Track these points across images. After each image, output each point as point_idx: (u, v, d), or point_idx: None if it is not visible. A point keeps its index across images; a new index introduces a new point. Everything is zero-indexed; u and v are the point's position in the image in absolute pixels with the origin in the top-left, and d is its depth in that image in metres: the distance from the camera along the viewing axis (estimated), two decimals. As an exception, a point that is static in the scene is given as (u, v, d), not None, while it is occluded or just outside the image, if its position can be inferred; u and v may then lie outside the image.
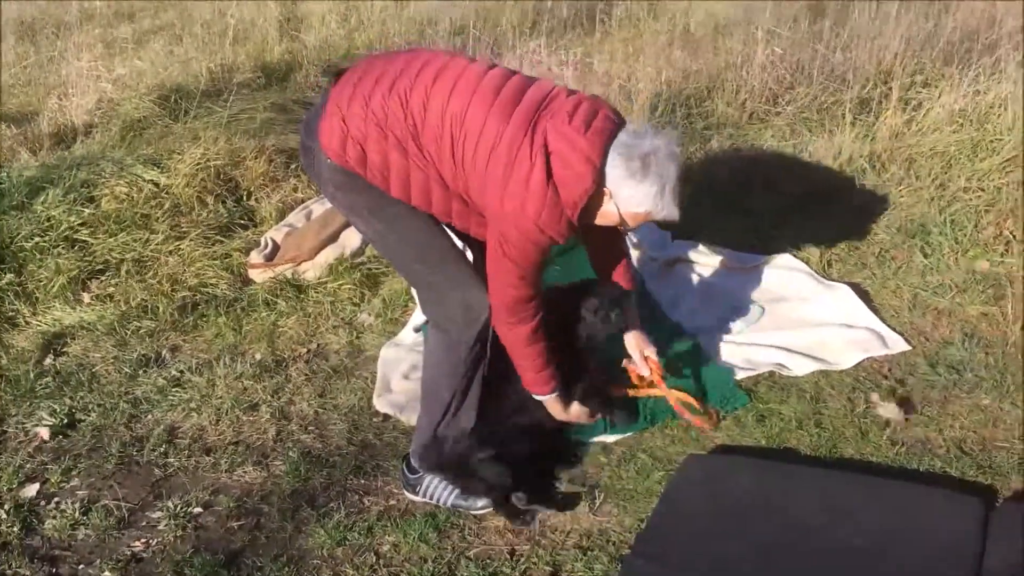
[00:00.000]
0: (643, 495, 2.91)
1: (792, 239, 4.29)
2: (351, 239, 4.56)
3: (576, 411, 3.02)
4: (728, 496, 2.71)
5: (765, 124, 5.40)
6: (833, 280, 3.96)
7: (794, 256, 4.12)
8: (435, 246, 2.77)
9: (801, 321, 3.73)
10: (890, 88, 5.13)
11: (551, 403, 2.96)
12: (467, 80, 2.57)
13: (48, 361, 4.08)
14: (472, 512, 2.91)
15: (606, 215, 2.64)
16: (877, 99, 5.19)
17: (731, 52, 6.04)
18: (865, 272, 4.02)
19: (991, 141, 4.42)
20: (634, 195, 2.55)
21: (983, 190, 4.21)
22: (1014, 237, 3.96)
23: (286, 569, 2.76)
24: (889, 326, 3.63)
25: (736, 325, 3.76)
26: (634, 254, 4.27)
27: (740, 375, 3.40)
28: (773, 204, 4.51)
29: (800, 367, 3.43)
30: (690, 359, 3.47)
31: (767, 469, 2.81)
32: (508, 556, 2.73)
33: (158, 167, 5.25)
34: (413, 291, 3.65)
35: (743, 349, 3.55)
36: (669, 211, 2.59)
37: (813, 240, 4.24)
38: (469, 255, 2.98)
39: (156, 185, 5.11)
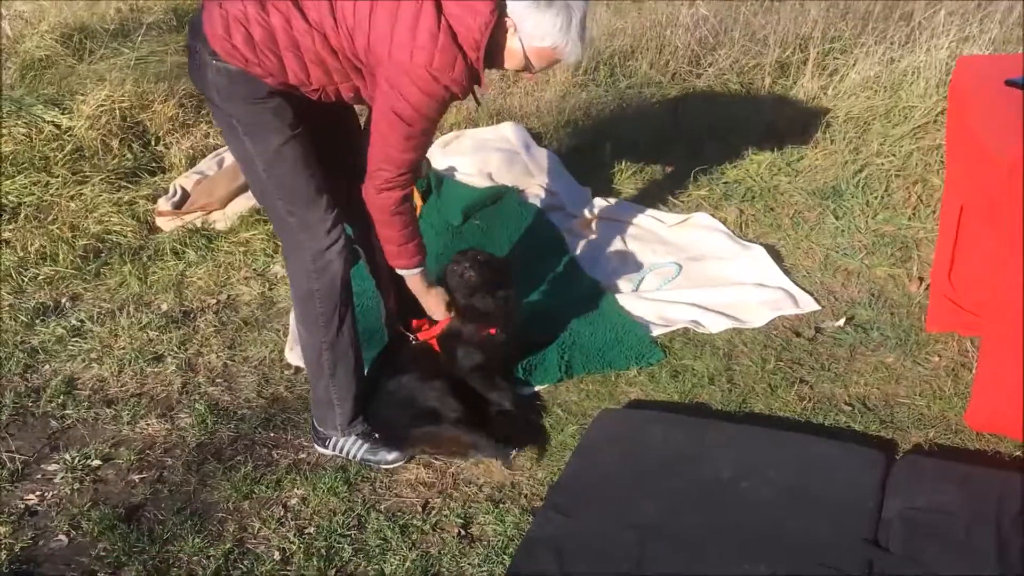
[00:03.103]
0: (556, 449, 2.90)
1: (711, 199, 4.32)
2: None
3: (436, 294, 2.94)
4: (639, 450, 2.73)
5: (687, 85, 5.42)
6: (749, 240, 4.01)
7: (712, 216, 4.14)
8: (303, 189, 2.63)
9: (717, 280, 3.76)
10: (808, 53, 5.19)
11: (413, 280, 2.88)
12: None
13: (-63, 308, 3.87)
14: (383, 467, 2.86)
15: (511, 54, 2.52)
16: (795, 64, 5.26)
17: (655, 11, 6.03)
18: (780, 233, 4.08)
19: (904, 108, 4.52)
20: (539, 25, 2.45)
21: (894, 155, 4.30)
22: (921, 201, 4.06)
23: (189, 523, 2.67)
24: (800, 286, 3.69)
25: (653, 283, 3.78)
26: (554, 212, 4.26)
27: (656, 332, 3.42)
28: (693, 164, 4.52)
29: (714, 324, 3.46)
30: (606, 316, 3.47)
31: (678, 424, 2.83)
32: (420, 509, 2.70)
33: (60, 108, 5.01)
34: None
35: (659, 306, 3.57)
36: (576, 48, 2.49)
37: (731, 201, 4.28)
38: None
39: (57, 127, 4.88)
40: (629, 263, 3.91)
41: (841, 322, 3.46)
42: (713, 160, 4.53)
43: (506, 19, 2.46)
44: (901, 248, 3.88)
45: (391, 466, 2.86)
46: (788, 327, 3.48)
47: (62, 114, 4.96)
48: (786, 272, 3.78)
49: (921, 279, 3.65)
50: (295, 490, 2.80)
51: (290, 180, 2.62)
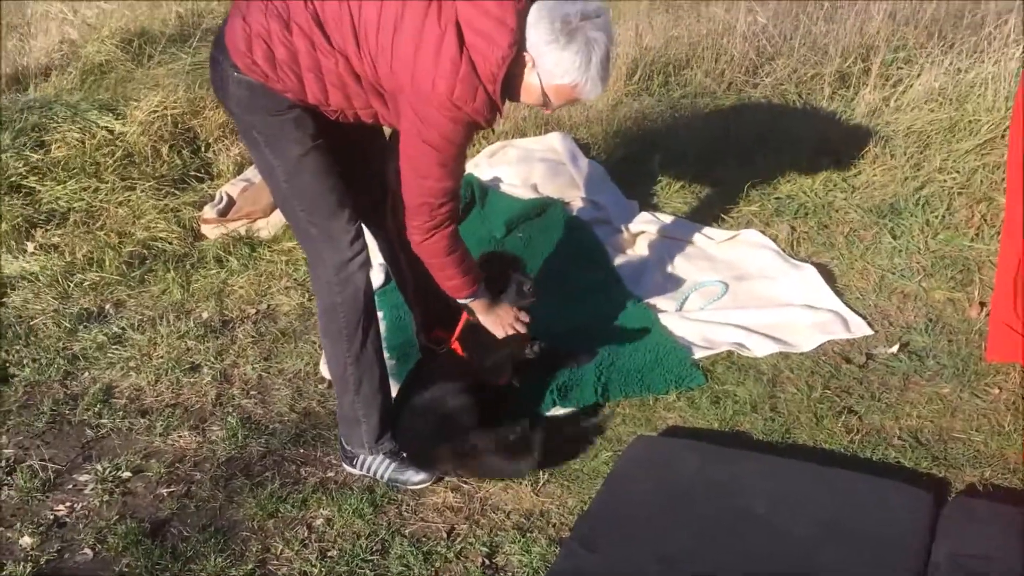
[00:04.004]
0: (589, 476, 2.81)
1: (762, 215, 4.17)
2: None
3: (504, 309, 2.87)
4: (673, 481, 2.62)
5: (743, 96, 5.27)
6: (800, 259, 3.86)
7: (762, 233, 4.00)
8: (324, 200, 2.59)
9: (764, 300, 3.62)
10: (870, 63, 5.00)
11: (476, 306, 2.82)
12: None
13: (-15, 312, 3.93)
14: (409, 487, 2.80)
15: (529, 90, 2.44)
16: (857, 74, 5.07)
17: (713, 19, 5.89)
18: (833, 252, 3.91)
19: (969, 122, 4.31)
20: (558, 63, 2.35)
21: (958, 172, 4.10)
22: (985, 221, 3.86)
23: (212, 541, 2.64)
24: (853, 309, 3.53)
25: (698, 302, 3.66)
26: (600, 225, 4.16)
27: (698, 354, 3.30)
28: (745, 178, 4.38)
29: (760, 348, 3.33)
30: (647, 336, 3.36)
31: (715, 454, 2.71)
32: (445, 535, 2.63)
33: (114, 113, 5.07)
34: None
35: (703, 327, 3.44)
36: (595, 87, 2.40)
37: (783, 217, 4.12)
38: None
39: (110, 132, 4.93)
40: (673, 281, 3.79)
41: (895, 348, 3.30)
42: (766, 174, 4.38)
43: (524, 54, 2.38)
44: (962, 271, 3.69)
45: (418, 487, 2.80)
46: (838, 352, 3.33)
47: (116, 119, 5.02)
48: (838, 294, 3.62)
49: (982, 304, 3.46)
50: (320, 510, 2.75)
51: (311, 191, 2.59)
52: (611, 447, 2.92)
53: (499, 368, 2.94)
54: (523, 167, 4.42)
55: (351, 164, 2.75)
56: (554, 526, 2.64)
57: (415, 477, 2.79)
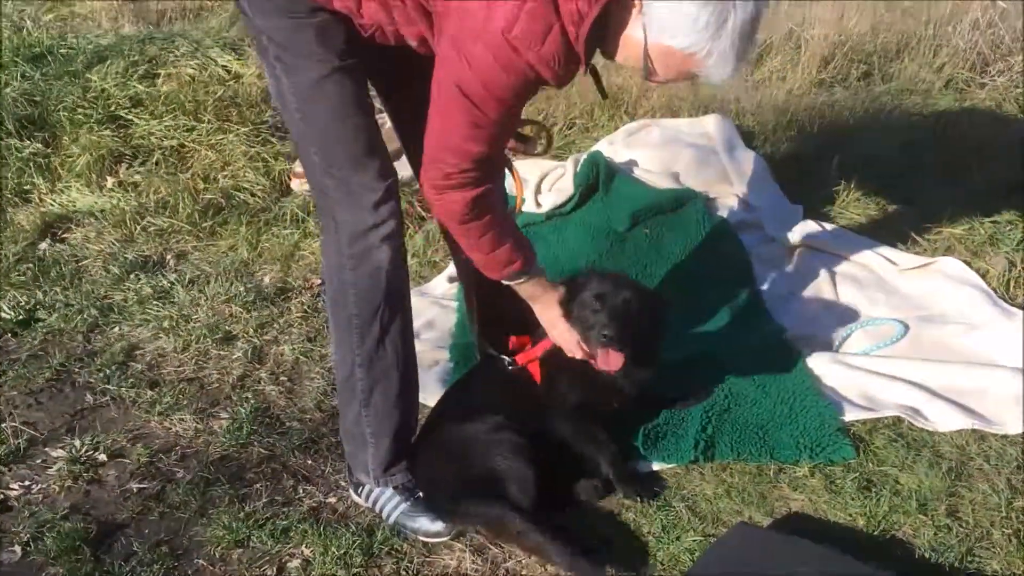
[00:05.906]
0: (663, 566, 2.00)
1: (970, 241, 3.17)
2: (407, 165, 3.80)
3: (552, 298, 2.17)
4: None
5: (964, 96, 4.24)
6: (1017, 306, 2.85)
7: (967, 265, 3.02)
8: (347, 143, 1.94)
9: (957, 353, 2.67)
10: None
11: (521, 289, 2.13)
12: None
13: (43, 246, 3.59)
14: (420, 538, 2.09)
15: (628, 46, 1.71)
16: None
17: (936, 7, 4.83)
18: (1064, 301, 2.89)
19: None
20: (674, 16, 1.62)
21: None
22: None
23: (158, 566, 2.06)
24: (1087, 384, 2.52)
25: (862, 343, 2.74)
26: (749, 231, 3.31)
27: (851, 415, 2.41)
28: (951, 195, 3.39)
29: (944, 419, 2.40)
30: (784, 379, 2.50)
31: (844, 570, 1.83)
32: (444, 618, 1.92)
33: (236, 53, 4.68)
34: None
35: (865, 378, 2.54)
36: (723, 63, 1.64)
37: (999, 247, 3.11)
38: None
39: (227, 72, 4.54)
40: (834, 312, 2.90)
41: None
42: (981, 191, 3.37)
43: None
44: None
45: (431, 540, 2.09)
46: (1058, 443, 2.35)
47: (236, 59, 4.62)
48: (1067, 360, 2.61)
49: None
50: (302, 547, 2.11)
51: (330, 129, 1.93)
52: (702, 528, 2.09)
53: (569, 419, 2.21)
54: (666, 152, 3.62)
55: (399, 97, 2.09)
56: (597, 634, 1.87)
57: (429, 527, 2.08)
